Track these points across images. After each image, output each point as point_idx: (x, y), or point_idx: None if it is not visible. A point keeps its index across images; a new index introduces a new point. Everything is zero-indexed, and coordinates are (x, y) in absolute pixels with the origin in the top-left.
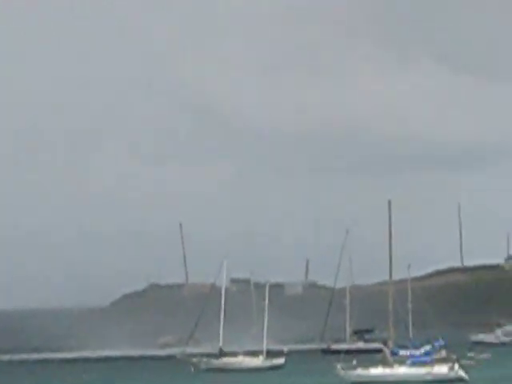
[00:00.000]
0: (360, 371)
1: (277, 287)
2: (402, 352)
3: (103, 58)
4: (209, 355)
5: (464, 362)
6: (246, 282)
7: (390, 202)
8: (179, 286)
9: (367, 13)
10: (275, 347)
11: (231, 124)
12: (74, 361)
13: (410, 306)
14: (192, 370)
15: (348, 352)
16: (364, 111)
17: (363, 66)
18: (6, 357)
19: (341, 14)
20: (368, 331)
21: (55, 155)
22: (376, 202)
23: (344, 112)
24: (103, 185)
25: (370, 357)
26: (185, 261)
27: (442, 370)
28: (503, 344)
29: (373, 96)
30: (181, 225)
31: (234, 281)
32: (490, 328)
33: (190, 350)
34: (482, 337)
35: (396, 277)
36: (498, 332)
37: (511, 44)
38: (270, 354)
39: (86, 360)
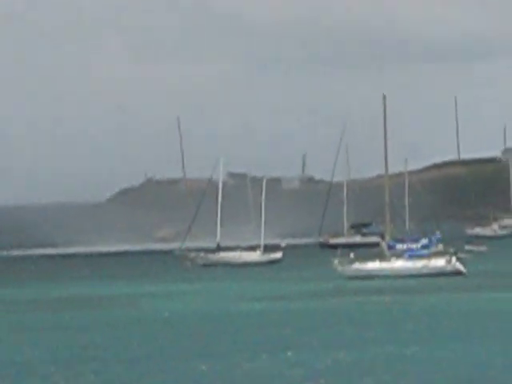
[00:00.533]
0: (357, 265)
1: (274, 182)
2: (399, 246)
3: None
4: (206, 250)
5: (461, 255)
6: (243, 176)
7: (384, 97)
8: (176, 181)
9: None
10: (273, 241)
11: (227, 21)
12: (70, 256)
13: (407, 199)
14: (189, 264)
15: (345, 246)
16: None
17: None
18: (3, 252)
19: None
20: (365, 225)
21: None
22: (372, 95)
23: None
24: (102, 82)
25: (368, 251)
26: (182, 156)
27: (439, 263)
28: (499, 237)
29: None
30: (178, 119)
31: (231, 175)
32: (486, 221)
33: (187, 244)
34: (478, 230)
35: (393, 170)
36: (495, 225)
37: None
38: (268, 248)
39: (83, 255)
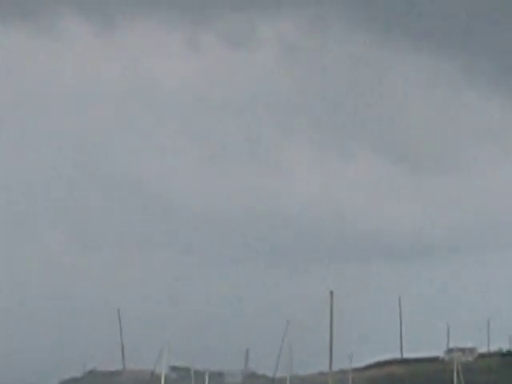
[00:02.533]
0: None
1: (217, 376)
2: None
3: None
4: None
5: None
6: (186, 369)
7: (331, 293)
8: (118, 373)
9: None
10: None
11: (168, 210)
12: None
13: None
14: None
15: None
16: (302, 199)
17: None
18: None
19: (278, 107)
20: None
21: None
22: (317, 291)
23: (282, 200)
24: (39, 271)
25: None
26: (122, 347)
27: None
28: None
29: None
30: (119, 310)
31: (173, 369)
32: None
33: None
34: None
35: (336, 367)
36: None
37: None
38: None
39: None
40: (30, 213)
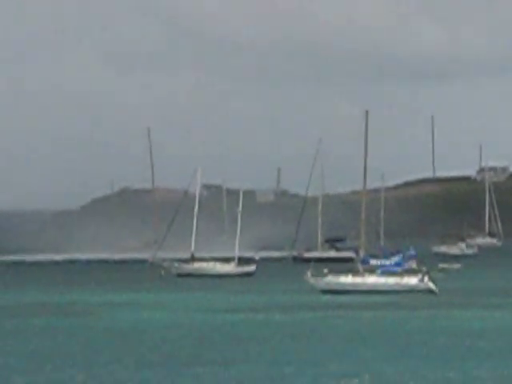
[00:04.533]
0: (329, 278)
1: (248, 194)
2: (373, 261)
3: None
4: (180, 260)
5: (434, 273)
6: (218, 188)
7: (367, 112)
8: (149, 192)
9: None
10: (247, 254)
11: (202, 34)
12: (42, 264)
13: (382, 215)
14: (162, 273)
15: (319, 260)
16: (334, 22)
17: None
18: None
19: None
20: (339, 240)
21: None
22: (351, 111)
23: (317, 22)
24: (76, 89)
25: (341, 265)
26: (152, 166)
27: (411, 280)
28: (466, 256)
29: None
30: (149, 130)
31: (205, 186)
32: (453, 240)
33: (158, 254)
34: (444, 249)
35: (369, 186)
36: (462, 244)
37: None
38: (242, 260)
39: (48, 263)
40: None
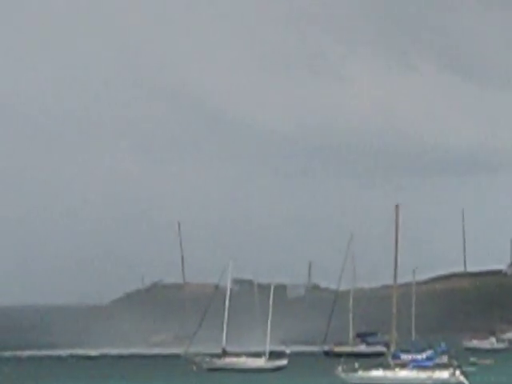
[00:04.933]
0: (361, 373)
1: (279, 288)
2: (404, 356)
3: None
4: (212, 355)
5: (465, 367)
6: (249, 282)
7: (397, 207)
8: (180, 286)
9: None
10: (278, 348)
11: (231, 125)
12: (69, 358)
13: (413, 309)
14: (194, 368)
15: (350, 355)
16: (364, 114)
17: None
18: (7, 353)
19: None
20: (371, 334)
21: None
22: (381, 205)
23: (344, 114)
24: (102, 182)
25: (372, 360)
26: (182, 261)
27: (443, 375)
28: (497, 350)
29: (371, 100)
30: (179, 224)
31: (236, 281)
32: (483, 334)
33: (191, 349)
34: (475, 343)
35: (400, 281)
36: (492, 338)
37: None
38: (273, 355)
39: (81, 358)
40: (95, 122)
